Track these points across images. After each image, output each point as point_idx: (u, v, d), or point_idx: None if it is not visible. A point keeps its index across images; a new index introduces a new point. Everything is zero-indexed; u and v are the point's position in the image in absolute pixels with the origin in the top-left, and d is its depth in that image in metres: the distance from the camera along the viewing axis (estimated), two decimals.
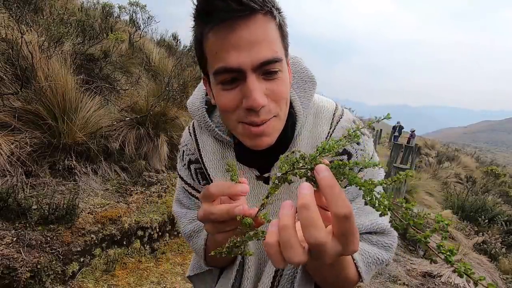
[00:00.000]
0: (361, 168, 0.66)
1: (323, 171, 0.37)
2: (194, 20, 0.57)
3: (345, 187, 0.63)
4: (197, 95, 0.75)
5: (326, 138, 0.68)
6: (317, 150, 0.42)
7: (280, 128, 0.61)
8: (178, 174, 0.82)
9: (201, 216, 0.49)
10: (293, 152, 0.44)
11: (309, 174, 0.41)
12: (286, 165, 0.42)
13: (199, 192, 0.78)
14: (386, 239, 0.67)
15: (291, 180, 0.43)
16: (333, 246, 0.37)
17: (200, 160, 0.74)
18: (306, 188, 0.38)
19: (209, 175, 0.73)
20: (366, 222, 0.65)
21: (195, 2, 0.54)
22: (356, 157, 0.66)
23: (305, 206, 0.36)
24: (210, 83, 0.61)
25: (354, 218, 0.36)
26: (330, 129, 0.69)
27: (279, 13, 0.56)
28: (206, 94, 0.74)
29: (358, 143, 0.66)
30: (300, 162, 0.42)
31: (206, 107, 0.73)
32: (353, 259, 0.60)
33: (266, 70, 0.54)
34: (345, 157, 0.66)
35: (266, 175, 0.62)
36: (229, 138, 0.70)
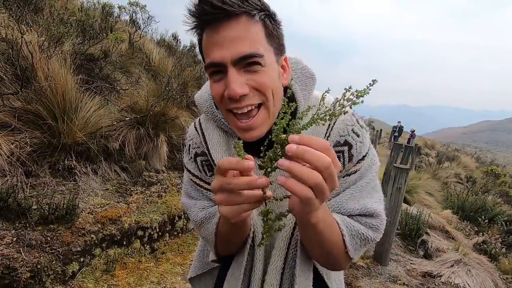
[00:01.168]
0: (359, 160, 0.72)
1: (291, 149, 0.45)
2: None
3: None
4: (205, 89, 0.82)
5: (327, 129, 0.73)
6: (312, 118, 0.51)
7: (269, 119, 0.66)
8: (185, 167, 0.85)
9: (216, 186, 0.52)
10: (266, 152, 0.52)
11: (281, 154, 0.51)
12: (269, 160, 0.52)
13: (206, 182, 0.82)
14: (374, 220, 0.72)
15: (276, 167, 0.51)
16: (332, 165, 0.45)
17: (206, 152, 0.79)
18: (289, 146, 0.46)
19: (216, 165, 0.75)
20: (356, 206, 0.71)
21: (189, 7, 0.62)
22: (356, 148, 0.72)
23: (302, 150, 0.44)
24: None
25: (333, 166, 0.45)
26: (330, 121, 0.72)
27: (268, 16, 0.63)
28: None
29: (358, 135, 0.72)
30: (276, 153, 0.51)
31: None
32: (338, 225, 0.67)
33: (246, 63, 0.60)
34: (346, 147, 0.72)
35: (258, 162, 0.66)
36: None
